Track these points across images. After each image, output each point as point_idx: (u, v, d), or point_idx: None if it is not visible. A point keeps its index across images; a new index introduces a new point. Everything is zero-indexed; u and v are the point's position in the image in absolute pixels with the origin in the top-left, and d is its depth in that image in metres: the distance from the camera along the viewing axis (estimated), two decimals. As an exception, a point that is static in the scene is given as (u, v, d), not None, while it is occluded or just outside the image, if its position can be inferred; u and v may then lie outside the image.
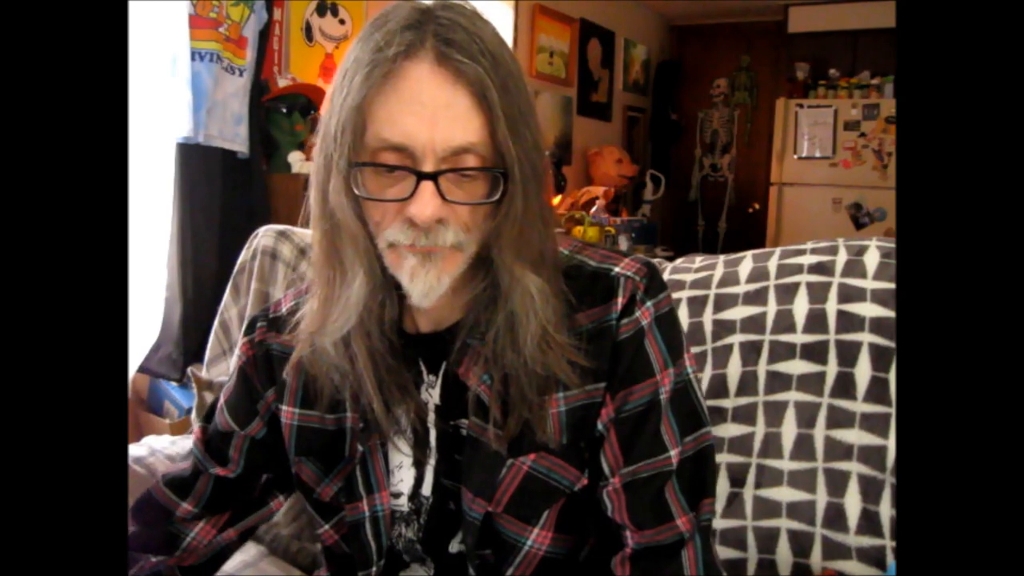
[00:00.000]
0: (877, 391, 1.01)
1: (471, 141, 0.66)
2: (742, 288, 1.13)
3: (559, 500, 0.76)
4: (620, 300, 0.74)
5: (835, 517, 1.00)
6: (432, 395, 0.79)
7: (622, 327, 0.74)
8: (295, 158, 2.56)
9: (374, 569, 0.81)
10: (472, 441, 0.75)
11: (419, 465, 0.80)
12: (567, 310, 0.74)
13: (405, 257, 0.69)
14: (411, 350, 0.78)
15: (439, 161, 0.66)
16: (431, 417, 0.79)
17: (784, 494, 1.03)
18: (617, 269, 0.75)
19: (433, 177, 0.66)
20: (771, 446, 1.05)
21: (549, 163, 0.74)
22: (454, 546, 0.80)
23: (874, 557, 0.98)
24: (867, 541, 0.98)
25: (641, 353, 0.74)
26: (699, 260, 1.23)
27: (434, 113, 0.65)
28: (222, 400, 0.89)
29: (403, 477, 0.80)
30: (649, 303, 0.74)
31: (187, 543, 0.87)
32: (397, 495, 0.81)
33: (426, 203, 0.66)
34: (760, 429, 1.06)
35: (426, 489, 0.80)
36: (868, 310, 1.04)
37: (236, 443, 0.87)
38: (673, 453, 0.74)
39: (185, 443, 1.36)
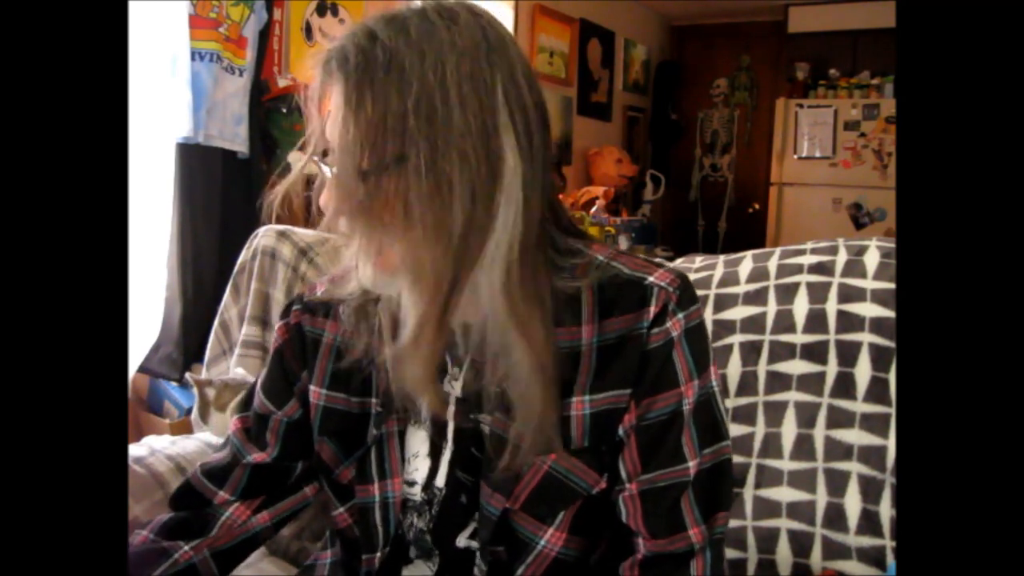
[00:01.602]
0: (877, 391, 1.01)
1: None
2: (742, 288, 1.13)
3: (576, 502, 0.77)
4: (652, 309, 0.74)
5: (835, 517, 1.00)
6: (454, 387, 0.79)
7: (652, 336, 0.74)
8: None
9: (378, 555, 0.81)
10: (495, 437, 0.76)
11: (435, 456, 0.81)
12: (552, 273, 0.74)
13: None
14: None
15: None
16: (451, 409, 0.79)
17: (784, 494, 1.03)
18: (651, 279, 0.76)
19: None
20: (771, 446, 1.05)
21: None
22: (462, 540, 0.81)
23: (874, 557, 0.98)
24: (867, 541, 0.98)
25: (669, 364, 0.74)
26: (699, 260, 1.23)
27: None
28: (259, 384, 0.91)
29: (418, 466, 0.81)
30: (680, 315, 0.75)
31: (220, 522, 0.88)
32: (411, 484, 0.81)
33: None
34: (760, 429, 1.06)
35: (440, 480, 0.81)
36: (868, 310, 1.04)
37: (272, 426, 0.88)
38: (691, 464, 0.74)
39: (186, 443, 1.36)
